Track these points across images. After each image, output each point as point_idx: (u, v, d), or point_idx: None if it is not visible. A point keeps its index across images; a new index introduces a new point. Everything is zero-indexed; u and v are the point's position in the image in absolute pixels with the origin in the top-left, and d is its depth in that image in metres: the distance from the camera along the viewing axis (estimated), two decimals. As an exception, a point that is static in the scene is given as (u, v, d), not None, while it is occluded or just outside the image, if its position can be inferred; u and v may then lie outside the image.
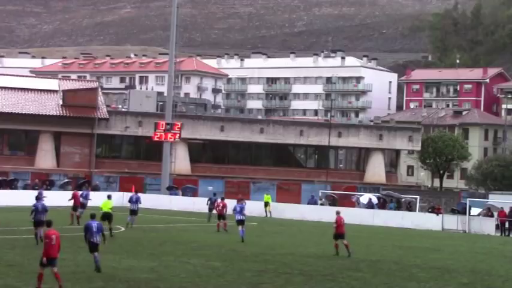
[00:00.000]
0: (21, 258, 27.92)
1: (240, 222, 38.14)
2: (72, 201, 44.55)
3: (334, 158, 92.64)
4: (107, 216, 35.79)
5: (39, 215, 32.37)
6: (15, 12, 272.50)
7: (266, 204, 60.02)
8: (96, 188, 64.10)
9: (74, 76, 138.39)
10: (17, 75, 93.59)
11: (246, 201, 44.19)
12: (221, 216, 42.88)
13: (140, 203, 42.95)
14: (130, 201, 42.56)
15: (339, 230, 32.99)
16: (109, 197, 38.52)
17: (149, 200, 58.60)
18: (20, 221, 41.13)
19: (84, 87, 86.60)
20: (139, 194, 45.34)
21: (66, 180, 71.06)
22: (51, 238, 21.61)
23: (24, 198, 62.35)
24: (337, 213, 33.71)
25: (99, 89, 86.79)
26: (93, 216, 25.31)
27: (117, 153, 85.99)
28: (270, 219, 57.37)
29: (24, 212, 38.64)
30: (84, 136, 79.30)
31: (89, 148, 79.56)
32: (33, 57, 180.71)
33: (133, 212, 42.03)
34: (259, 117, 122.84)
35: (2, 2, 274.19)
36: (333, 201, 67.63)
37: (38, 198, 35.55)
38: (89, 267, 25.46)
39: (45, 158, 78.31)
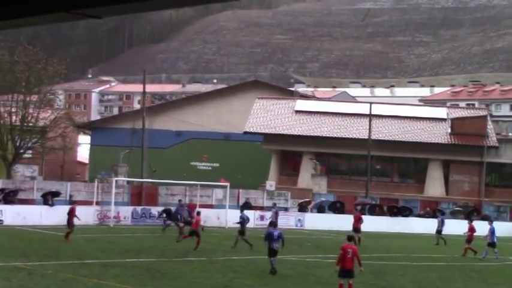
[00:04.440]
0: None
1: None
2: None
3: None
4: None
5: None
6: (405, 43, 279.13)
7: None
8: (486, 218, 62.82)
9: (462, 104, 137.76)
10: (407, 104, 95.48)
11: None
12: None
13: None
14: None
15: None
16: None
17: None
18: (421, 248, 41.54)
19: (473, 115, 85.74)
20: None
21: (456, 208, 70.82)
22: (347, 251, 22.63)
23: (416, 226, 63.76)
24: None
25: (488, 117, 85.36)
26: (274, 225, 28.57)
27: (507, 182, 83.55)
28: None
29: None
30: (472, 164, 78.36)
31: (478, 176, 78.41)
32: (422, 86, 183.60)
33: None
34: None
35: (393, 33, 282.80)
36: None
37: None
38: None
39: (434, 186, 78.66)
